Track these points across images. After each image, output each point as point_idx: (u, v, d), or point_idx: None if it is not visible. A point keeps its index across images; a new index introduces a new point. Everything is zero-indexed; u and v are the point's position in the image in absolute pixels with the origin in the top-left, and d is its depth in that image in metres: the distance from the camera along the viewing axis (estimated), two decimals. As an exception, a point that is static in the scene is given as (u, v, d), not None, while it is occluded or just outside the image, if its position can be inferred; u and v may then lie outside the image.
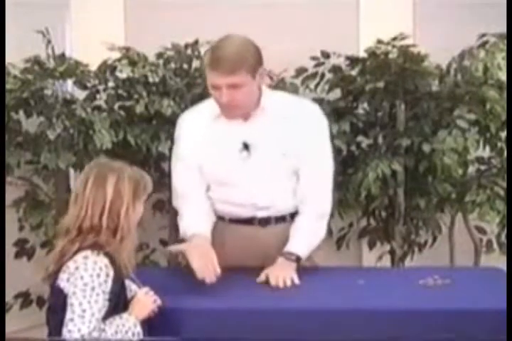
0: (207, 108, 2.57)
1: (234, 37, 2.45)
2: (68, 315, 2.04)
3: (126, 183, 2.16)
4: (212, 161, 2.57)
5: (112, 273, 2.09)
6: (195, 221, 2.55)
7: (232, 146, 2.53)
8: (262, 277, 2.47)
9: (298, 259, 2.53)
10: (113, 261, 2.11)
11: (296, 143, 2.52)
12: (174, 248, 2.48)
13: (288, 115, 2.53)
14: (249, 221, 2.61)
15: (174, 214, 2.74)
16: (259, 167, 2.53)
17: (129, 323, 2.11)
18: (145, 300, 2.20)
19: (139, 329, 2.12)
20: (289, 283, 2.43)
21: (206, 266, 2.35)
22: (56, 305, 2.11)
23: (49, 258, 2.17)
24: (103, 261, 2.08)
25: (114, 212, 2.14)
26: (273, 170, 2.55)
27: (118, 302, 2.13)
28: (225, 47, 2.40)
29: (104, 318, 2.07)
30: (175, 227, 2.78)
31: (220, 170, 2.57)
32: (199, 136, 2.57)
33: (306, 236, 2.57)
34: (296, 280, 2.45)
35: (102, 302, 2.06)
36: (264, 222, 2.59)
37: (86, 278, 2.05)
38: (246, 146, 2.52)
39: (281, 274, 2.45)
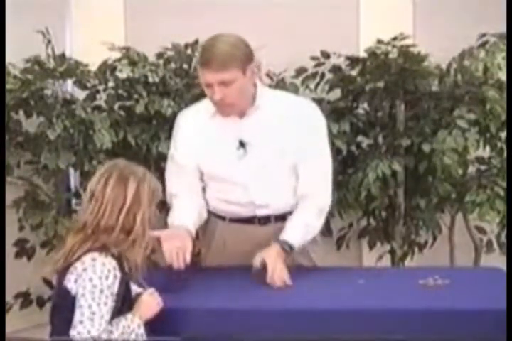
0: (204, 106, 2.59)
1: (223, 35, 2.48)
2: (77, 317, 2.04)
3: (146, 190, 2.16)
4: (210, 159, 2.58)
5: (119, 274, 2.09)
6: (181, 215, 2.55)
7: (229, 144, 2.54)
8: (256, 261, 2.44)
9: (291, 249, 2.51)
10: (121, 263, 2.11)
11: (293, 141, 2.52)
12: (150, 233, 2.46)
13: (284, 113, 2.54)
14: (249, 220, 2.61)
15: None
16: (255, 165, 2.54)
17: (134, 324, 2.11)
18: (150, 302, 2.20)
19: (142, 330, 2.13)
20: (287, 281, 2.41)
21: (177, 253, 2.36)
22: (61, 305, 2.11)
23: (59, 253, 2.15)
24: (111, 263, 2.08)
25: (130, 215, 2.14)
26: (270, 168, 2.55)
27: (123, 303, 2.12)
28: (214, 45, 2.43)
29: (110, 319, 2.07)
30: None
31: (218, 168, 2.58)
32: (196, 134, 2.59)
33: (302, 229, 2.55)
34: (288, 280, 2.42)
35: (110, 304, 2.06)
36: (264, 220, 2.59)
37: (95, 280, 2.05)
38: (242, 144, 2.54)
39: (278, 267, 2.42)
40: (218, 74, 2.39)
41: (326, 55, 3.56)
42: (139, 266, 2.15)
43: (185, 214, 2.56)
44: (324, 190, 2.61)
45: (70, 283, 2.08)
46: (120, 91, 3.39)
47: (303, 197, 2.58)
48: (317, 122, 2.59)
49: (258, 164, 2.54)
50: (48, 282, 3.41)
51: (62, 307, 2.10)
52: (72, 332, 2.02)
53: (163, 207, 3.14)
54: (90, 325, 2.02)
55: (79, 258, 2.08)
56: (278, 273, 2.41)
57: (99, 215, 2.13)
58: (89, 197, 2.17)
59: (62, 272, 2.11)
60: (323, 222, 2.64)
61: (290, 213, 2.61)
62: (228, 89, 2.42)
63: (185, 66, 3.46)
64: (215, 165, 2.58)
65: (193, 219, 2.56)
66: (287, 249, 2.50)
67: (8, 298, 3.44)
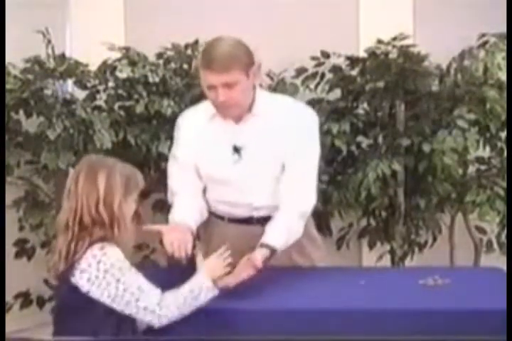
0: (203, 109, 2.59)
1: (225, 37, 2.48)
2: (133, 302, 2.08)
3: (118, 179, 2.17)
4: (206, 162, 2.59)
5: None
6: (182, 212, 2.55)
7: (224, 149, 2.55)
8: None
9: (273, 252, 2.43)
10: None
11: (287, 146, 2.52)
12: (150, 227, 2.47)
13: (280, 118, 2.53)
14: (247, 220, 2.62)
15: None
16: (250, 169, 2.54)
17: (202, 284, 2.18)
18: (217, 262, 2.26)
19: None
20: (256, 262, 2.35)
21: (178, 244, 2.36)
22: (70, 304, 2.12)
23: (54, 255, 2.16)
24: (118, 250, 2.11)
25: (107, 206, 2.15)
26: (264, 173, 2.56)
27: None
28: (217, 47, 2.42)
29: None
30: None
31: (214, 171, 2.59)
32: (195, 135, 2.59)
33: (284, 232, 2.49)
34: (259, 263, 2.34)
35: (142, 278, 2.10)
36: (262, 220, 2.59)
37: (116, 262, 2.08)
38: (236, 149, 2.54)
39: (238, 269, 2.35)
40: (222, 76, 2.38)
41: (326, 55, 3.56)
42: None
43: (186, 212, 2.56)
44: (304, 196, 2.57)
45: (82, 280, 2.08)
46: (120, 91, 3.39)
47: (283, 201, 2.54)
48: (308, 127, 2.57)
49: (252, 169, 2.54)
50: (48, 282, 3.41)
51: (72, 306, 2.12)
52: (140, 313, 2.08)
53: (163, 206, 3.16)
54: (145, 296, 2.08)
55: (82, 255, 2.09)
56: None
57: (78, 212, 2.14)
58: (66, 196, 2.19)
59: (67, 272, 2.11)
60: (304, 224, 2.57)
61: None
62: (232, 92, 2.41)
63: (185, 66, 3.46)
64: (211, 168, 2.59)
65: (194, 217, 2.56)
66: (268, 252, 2.41)
67: (8, 298, 3.44)
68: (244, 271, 2.34)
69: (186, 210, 2.57)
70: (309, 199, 2.59)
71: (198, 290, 2.16)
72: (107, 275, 2.07)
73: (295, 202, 2.55)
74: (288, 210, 2.54)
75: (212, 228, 2.67)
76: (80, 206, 2.14)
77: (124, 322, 2.14)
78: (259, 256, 2.37)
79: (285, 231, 2.50)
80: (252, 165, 2.54)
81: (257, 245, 2.43)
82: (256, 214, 2.60)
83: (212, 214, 2.67)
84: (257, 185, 2.57)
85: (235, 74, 2.40)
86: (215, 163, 2.57)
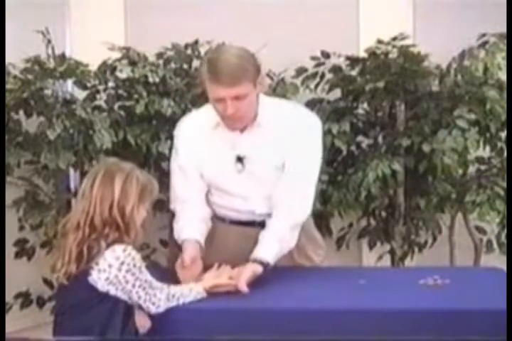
0: (205, 116, 2.55)
1: (229, 47, 2.44)
2: (143, 296, 2.15)
3: (134, 184, 2.19)
4: (210, 170, 2.58)
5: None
6: (188, 226, 2.54)
7: (228, 158, 2.54)
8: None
9: (266, 266, 2.43)
10: None
11: (286, 155, 2.51)
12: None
13: (284, 126, 2.51)
14: (249, 223, 2.61)
15: (174, 214, 2.74)
16: (253, 179, 2.54)
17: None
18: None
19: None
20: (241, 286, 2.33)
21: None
22: (84, 305, 2.14)
23: (64, 255, 2.16)
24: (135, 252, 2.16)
25: (120, 210, 2.16)
26: (268, 182, 2.54)
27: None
28: (224, 59, 2.37)
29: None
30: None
31: (218, 180, 2.58)
32: (197, 144, 2.57)
33: (276, 245, 2.47)
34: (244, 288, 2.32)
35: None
36: (264, 223, 2.58)
37: (137, 263, 2.13)
38: (239, 159, 2.53)
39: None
40: (233, 89, 2.34)
41: (326, 55, 3.56)
42: None
43: (193, 225, 2.54)
44: (301, 204, 2.55)
45: (101, 280, 2.10)
46: (120, 92, 3.39)
47: (278, 208, 2.52)
48: (310, 134, 2.55)
49: (256, 178, 2.54)
50: (48, 282, 3.41)
51: (83, 305, 2.13)
52: (150, 308, 2.17)
53: (164, 206, 3.15)
54: (154, 291, 2.16)
55: (100, 256, 2.10)
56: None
57: (90, 213, 2.15)
58: (80, 196, 2.21)
59: (83, 272, 2.12)
60: (297, 234, 2.54)
61: None
62: (241, 104, 2.38)
63: (185, 66, 3.46)
64: (215, 176, 2.58)
65: (200, 230, 2.55)
66: (260, 267, 2.40)
67: (8, 298, 3.44)
68: (226, 287, 2.34)
69: (192, 223, 2.55)
70: (304, 210, 2.56)
71: (188, 292, 2.27)
72: (127, 274, 2.11)
73: (289, 211, 2.51)
74: (281, 220, 2.51)
75: (213, 229, 2.66)
76: (93, 208, 2.15)
77: (127, 322, 2.17)
78: (248, 273, 2.35)
79: (277, 243, 2.47)
80: (255, 174, 2.53)
81: (250, 258, 2.41)
82: (258, 218, 2.59)
83: (214, 216, 2.66)
84: (260, 194, 2.56)
85: (244, 87, 2.36)
86: (219, 172, 2.56)
